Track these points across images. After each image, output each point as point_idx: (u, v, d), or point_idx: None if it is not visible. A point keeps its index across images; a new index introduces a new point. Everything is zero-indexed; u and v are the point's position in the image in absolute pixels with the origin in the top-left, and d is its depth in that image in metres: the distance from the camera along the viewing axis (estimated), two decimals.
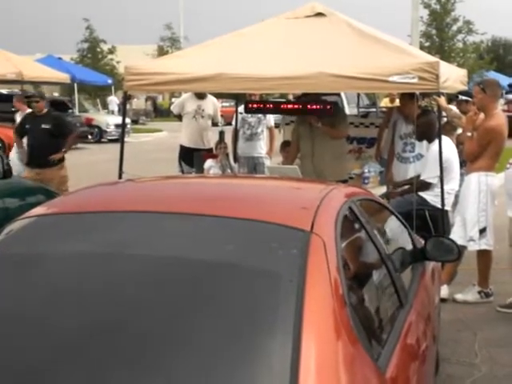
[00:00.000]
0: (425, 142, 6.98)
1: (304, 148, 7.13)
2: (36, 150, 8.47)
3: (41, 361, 1.90)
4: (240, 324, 1.96)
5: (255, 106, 7.70)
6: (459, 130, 7.40)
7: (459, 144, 7.04)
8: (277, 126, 9.48)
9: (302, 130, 7.14)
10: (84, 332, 1.97)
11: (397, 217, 3.70)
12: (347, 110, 14.94)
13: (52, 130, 8.60)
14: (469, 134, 6.10)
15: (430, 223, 6.56)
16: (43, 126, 8.60)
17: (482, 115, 6.10)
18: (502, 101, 6.46)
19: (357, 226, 2.82)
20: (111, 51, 35.54)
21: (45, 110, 8.81)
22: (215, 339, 1.90)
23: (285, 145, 7.94)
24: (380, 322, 2.54)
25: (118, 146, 7.40)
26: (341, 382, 1.87)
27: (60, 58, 27.84)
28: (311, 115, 6.96)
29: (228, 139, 8.50)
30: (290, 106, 7.66)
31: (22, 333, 2.02)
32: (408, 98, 7.14)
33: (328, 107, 6.93)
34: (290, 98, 14.29)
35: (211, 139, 9.04)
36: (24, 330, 2.03)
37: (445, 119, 7.38)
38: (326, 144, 6.93)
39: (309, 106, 7.07)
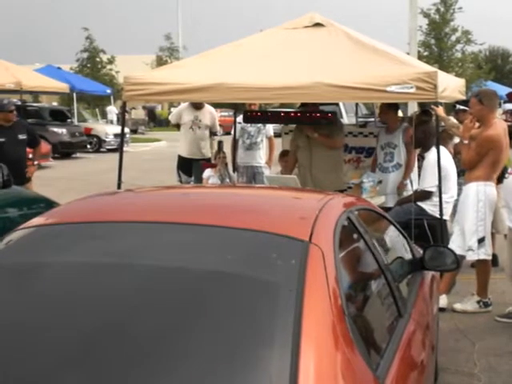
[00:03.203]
0: (403, 152, 7.07)
1: (302, 158, 7.15)
2: (16, 165, 7.19)
3: (39, 371, 1.90)
4: (239, 334, 1.96)
5: (254, 115, 7.73)
6: (456, 139, 7.42)
7: (457, 153, 7.06)
8: (277, 135, 9.51)
9: (300, 141, 7.16)
10: (83, 341, 1.98)
11: (395, 226, 3.70)
12: (346, 120, 15.01)
13: (27, 140, 7.73)
14: (465, 141, 6.12)
15: (429, 233, 6.58)
16: (20, 136, 7.71)
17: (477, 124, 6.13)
18: (500, 110, 6.47)
19: (355, 235, 2.83)
20: (110, 61, 35.64)
21: (14, 120, 7.79)
22: (214, 349, 1.90)
23: (283, 154, 7.97)
24: (379, 331, 2.54)
25: (116, 155, 7.42)
26: None
27: (59, 68, 27.90)
28: (307, 126, 6.99)
29: (227, 149, 8.53)
30: (288, 116, 7.70)
31: (21, 342, 2.02)
32: (386, 107, 7.20)
33: (327, 116, 6.97)
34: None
35: (209, 149, 9.06)
36: (23, 339, 2.03)
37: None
38: (324, 154, 6.95)
39: (307, 115, 7.11)
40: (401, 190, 7.19)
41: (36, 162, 8.04)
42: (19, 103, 20.28)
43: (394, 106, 7.32)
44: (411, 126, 6.97)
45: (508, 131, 6.18)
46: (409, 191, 7.07)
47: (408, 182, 7.08)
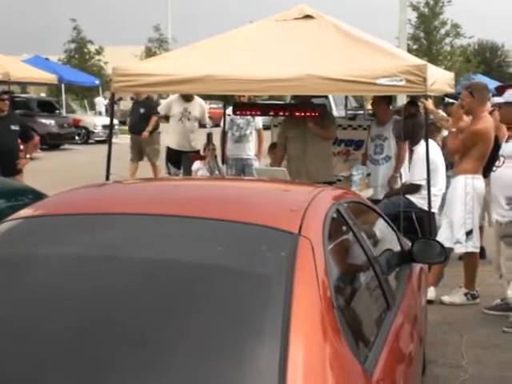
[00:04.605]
0: (393, 144, 7.07)
1: (294, 150, 7.14)
2: (7, 156, 7.31)
3: (26, 365, 1.89)
4: (228, 326, 1.96)
5: (243, 107, 7.72)
6: (445, 132, 7.45)
7: (445, 146, 7.08)
8: (266, 127, 9.50)
9: (291, 132, 7.15)
10: (70, 335, 1.97)
11: (384, 219, 3.71)
12: (335, 113, 14.99)
13: (20, 131, 7.70)
14: (453, 129, 6.13)
15: (417, 225, 6.60)
16: (13, 127, 7.64)
17: (466, 117, 6.15)
18: (488, 104, 6.47)
19: (344, 228, 2.83)
20: (99, 52, 35.44)
21: (7, 110, 7.75)
22: (203, 342, 1.90)
23: (273, 147, 7.96)
24: (367, 324, 2.55)
25: (105, 146, 7.38)
26: None
27: (47, 59, 27.72)
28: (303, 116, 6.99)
29: (217, 141, 8.51)
30: (277, 108, 7.68)
31: (7, 335, 2.01)
32: (379, 99, 7.21)
33: (315, 110, 6.97)
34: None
35: (198, 141, 9.04)
36: (9, 332, 2.02)
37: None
38: (318, 145, 6.97)
39: (296, 108, 7.11)
40: (392, 182, 7.20)
41: (28, 156, 7.97)
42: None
43: (387, 99, 7.33)
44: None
45: None
46: (399, 184, 7.10)
47: (399, 174, 7.10)
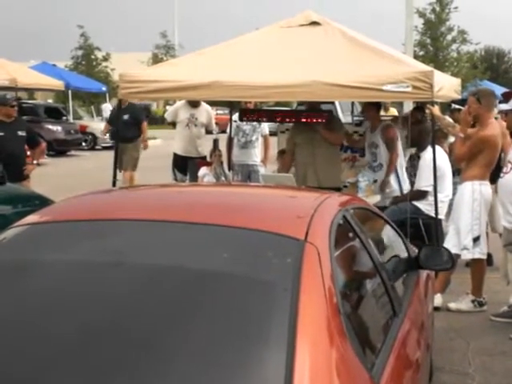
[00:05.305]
0: (384, 151, 7.02)
1: (302, 155, 7.14)
2: (14, 162, 7.34)
3: (28, 370, 1.89)
4: (234, 332, 1.96)
5: (249, 114, 7.73)
6: (452, 139, 7.43)
7: (452, 152, 7.07)
8: (273, 133, 9.50)
9: (300, 138, 7.16)
10: (76, 340, 1.97)
11: (391, 225, 3.70)
12: (341, 119, 14.97)
13: (27, 137, 7.76)
14: (461, 135, 6.11)
15: (424, 232, 6.59)
16: (20, 133, 7.70)
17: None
18: (495, 110, 6.45)
19: (351, 234, 2.82)
20: (105, 58, 35.55)
21: (15, 116, 7.82)
22: (209, 348, 1.90)
23: (282, 153, 7.96)
24: (374, 331, 2.54)
25: (111, 153, 7.40)
26: None
27: (54, 65, 27.83)
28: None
29: (223, 147, 8.51)
30: (284, 114, 7.70)
31: (11, 340, 2.01)
32: (368, 105, 7.16)
33: (322, 116, 6.98)
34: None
35: (205, 147, 9.05)
36: (14, 337, 2.03)
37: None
38: (326, 151, 6.98)
39: (303, 115, 7.12)
40: (384, 187, 7.13)
41: (35, 162, 8.01)
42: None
43: (377, 105, 7.27)
44: (406, 124, 6.97)
45: None
46: (392, 189, 7.06)
47: (391, 179, 7.05)
